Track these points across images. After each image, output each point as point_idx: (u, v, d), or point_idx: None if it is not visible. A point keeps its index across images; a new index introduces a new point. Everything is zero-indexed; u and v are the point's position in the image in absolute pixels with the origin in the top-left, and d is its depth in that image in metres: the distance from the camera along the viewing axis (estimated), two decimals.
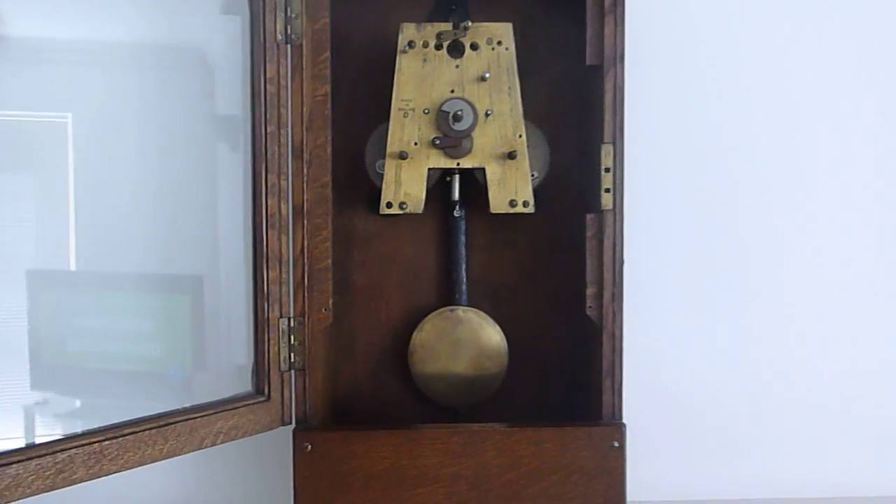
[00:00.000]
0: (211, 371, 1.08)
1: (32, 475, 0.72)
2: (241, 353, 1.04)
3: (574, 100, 1.05)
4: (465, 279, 1.08)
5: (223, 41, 1.06)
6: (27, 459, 0.71)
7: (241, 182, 1.03)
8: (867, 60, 1.15)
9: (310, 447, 0.92)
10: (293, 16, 0.93)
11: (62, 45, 0.99)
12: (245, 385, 0.96)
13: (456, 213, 1.06)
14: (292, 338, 0.95)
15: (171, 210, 1.07)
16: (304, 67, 0.94)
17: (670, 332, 1.16)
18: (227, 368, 1.08)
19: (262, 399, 0.93)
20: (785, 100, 1.15)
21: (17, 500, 0.71)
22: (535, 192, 1.00)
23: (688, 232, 1.15)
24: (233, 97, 1.06)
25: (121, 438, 0.78)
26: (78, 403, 0.96)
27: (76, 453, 0.75)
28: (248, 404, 0.92)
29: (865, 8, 1.15)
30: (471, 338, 1.07)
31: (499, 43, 0.98)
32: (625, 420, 0.95)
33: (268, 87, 0.92)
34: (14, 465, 0.70)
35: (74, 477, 0.74)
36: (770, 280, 1.16)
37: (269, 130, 0.92)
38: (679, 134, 1.14)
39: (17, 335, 1.01)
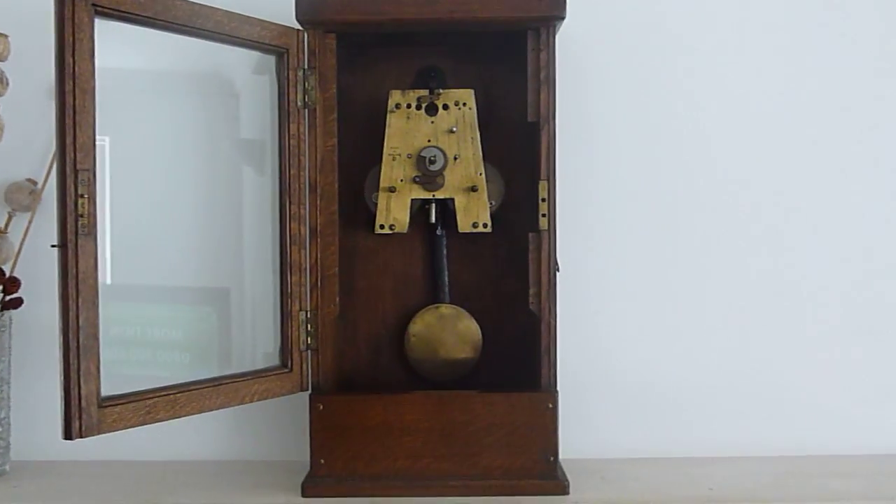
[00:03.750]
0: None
1: (130, 413, 1.00)
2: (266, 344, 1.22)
3: (524, 145, 1.27)
4: (447, 282, 1.32)
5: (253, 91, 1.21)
6: (127, 402, 1.00)
7: (265, 202, 1.20)
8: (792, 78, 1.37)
9: (322, 407, 1.18)
10: (309, 88, 1.19)
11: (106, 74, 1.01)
12: None
13: (438, 233, 1.31)
14: (308, 325, 1.20)
15: (200, 226, 1.19)
16: (318, 126, 1.19)
17: (601, 319, 1.38)
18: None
19: (287, 371, 1.19)
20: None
21: (120, 429, 0.99)
22: (493, 216, 1.25)
23: (609, 241, 1.39)
24: (255, 124, 1.21)
25: (188, 392, 1.06)
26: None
27: (159, 400, 1.03)
28: (277, 374, 1.17)
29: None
30: (452, 328, 1.30)
31: (464, 104, 1.24)
32: (558, 388, 1.20)
33: (291, 141, 1.18)
34: (119, 406, 0.99)
35: (157, 417, 1.02)
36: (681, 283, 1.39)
37: (291, 173, 1.18)
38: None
39: None
